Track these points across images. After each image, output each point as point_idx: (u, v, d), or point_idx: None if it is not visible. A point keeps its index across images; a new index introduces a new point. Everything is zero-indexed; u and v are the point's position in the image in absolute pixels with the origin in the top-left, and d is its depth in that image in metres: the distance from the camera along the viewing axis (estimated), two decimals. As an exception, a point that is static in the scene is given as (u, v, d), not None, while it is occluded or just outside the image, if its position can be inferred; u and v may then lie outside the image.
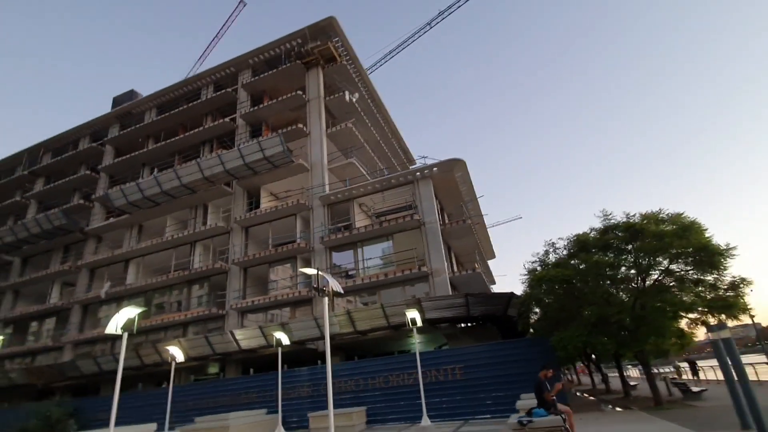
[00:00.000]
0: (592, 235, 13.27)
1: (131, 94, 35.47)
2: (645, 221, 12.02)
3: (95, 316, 27.39)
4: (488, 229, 30.57)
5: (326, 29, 27.44)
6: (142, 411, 19.45)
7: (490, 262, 34.54)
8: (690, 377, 22.70)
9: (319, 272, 7.67)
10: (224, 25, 59.62)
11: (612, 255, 12.08)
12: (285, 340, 15.56)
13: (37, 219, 29.00)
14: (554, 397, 6.16)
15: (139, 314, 10.23)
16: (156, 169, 29.38)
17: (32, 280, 30.38)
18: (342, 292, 8.12)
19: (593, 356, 21.30)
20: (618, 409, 13.76)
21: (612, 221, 12.67)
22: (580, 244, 13.23)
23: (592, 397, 20.17)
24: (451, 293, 18.85)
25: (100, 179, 32.03)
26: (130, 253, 27.11)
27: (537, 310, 13.98)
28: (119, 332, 9.61)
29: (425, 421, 12.39)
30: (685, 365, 23.93)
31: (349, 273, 21.29)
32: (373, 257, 20.95)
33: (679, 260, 11.34)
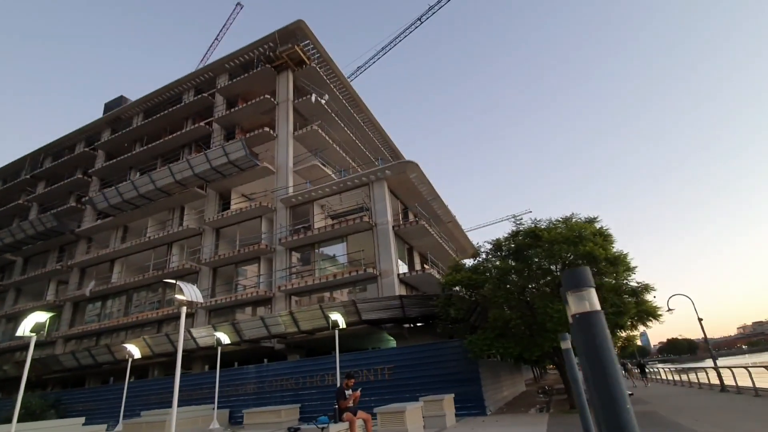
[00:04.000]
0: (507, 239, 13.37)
1: (120, 99, 36.92)
2: (551, 226, 12.05)
3: (83, 313, 28.98)
4: (495, 225, 30.47)
5: (295, 32, 27.84)
6: (112, 403, 20.66)
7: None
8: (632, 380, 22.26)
9: (178, 282, 8.19)
10: (223, 27, 60.89)
11: (514, 261, 12.17)
12: (225, 339, 16.29)
13: (31, 221, 30.81)
14: (350, 405, 6.49)
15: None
16: (139, 173, 30.65)
17: (31, 279, 32.34)
18: (201, 301, 8.61)
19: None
20: (538, 411, 13.88)
21: (522, 226, 12.73)
22: (496, 249, 13.37)
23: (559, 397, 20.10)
24: (402, 293, 19.18)
25: (92, 182, 33.63)
26: (114, 253, 28.50)
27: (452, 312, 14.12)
28: (29, 335, 10.41)
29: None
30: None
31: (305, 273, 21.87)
32: (328, 258, 21.46)
33: (576, 266, 11.32)
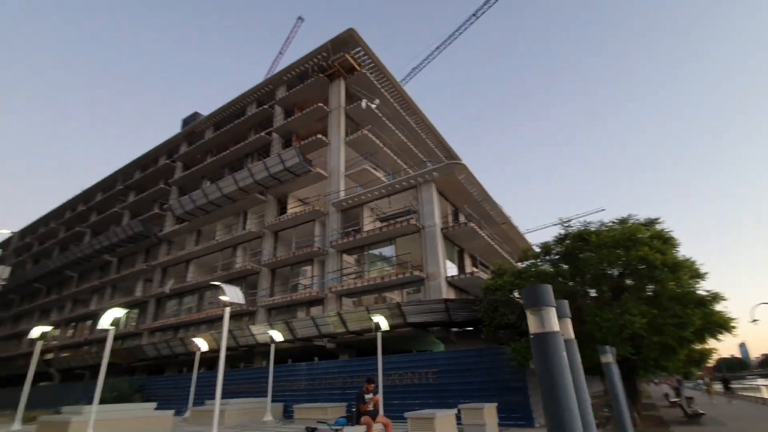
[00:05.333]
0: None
1: (195, 115, 40.62)
2: (603, 229, 11.20)
3: (164, 308, 32.27)
4: (562, 224, 29.23)
5: (347, 41, 28.67)
6: (185, 391, 22.72)
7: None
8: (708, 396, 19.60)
9: (221, 285, 8.87)
10: (286, 40, 64.38)
11: (564, 265, 11.45)
12: (278, 337, 17.23)
13: (123, 227, 35.03)
14: (369, 409, 6.51)
15: (127, 314, 12.52)
16: (209, 181, 33.48)
17: (123, 277, 36.73)
18: (243, 302, 9.22)
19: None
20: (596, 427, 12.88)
21: (570, 229, 11.96)
22: (545, 252, 12.69)
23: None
24: (450, 297, 18.90)
25: (171, 191, 37.40)
26: (189, 254, 31.42)
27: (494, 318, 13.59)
28: (109, 328, 11.90)
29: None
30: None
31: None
32: (378, 259, 21.78)
33: (632, 272, 10.42)
